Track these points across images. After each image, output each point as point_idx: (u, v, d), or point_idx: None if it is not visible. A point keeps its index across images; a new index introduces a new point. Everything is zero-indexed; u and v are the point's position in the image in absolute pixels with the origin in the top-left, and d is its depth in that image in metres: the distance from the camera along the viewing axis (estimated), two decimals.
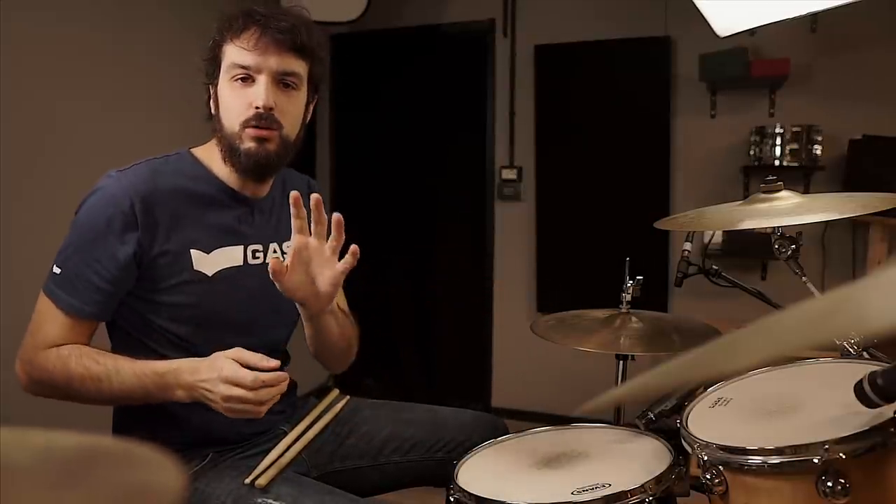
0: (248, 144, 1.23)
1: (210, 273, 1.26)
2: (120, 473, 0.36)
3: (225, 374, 1.10)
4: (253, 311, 1.32)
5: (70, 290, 1.21)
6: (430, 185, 4.08)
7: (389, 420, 1.47)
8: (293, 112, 1.27)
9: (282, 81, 1.24)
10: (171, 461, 0.37)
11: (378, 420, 1.47)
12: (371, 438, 1.44)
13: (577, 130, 3.64)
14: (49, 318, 1.22)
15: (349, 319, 1.44)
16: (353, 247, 1.18)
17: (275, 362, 1.12)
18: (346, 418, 1.47)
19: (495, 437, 1.35)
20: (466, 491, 1.13)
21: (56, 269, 1.22)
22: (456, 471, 1.22)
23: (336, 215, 1.18)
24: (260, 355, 1.13)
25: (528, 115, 3.73)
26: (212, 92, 1.28)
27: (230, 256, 1.29)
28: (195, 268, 1.25)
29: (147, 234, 1.21)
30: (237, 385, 1.09)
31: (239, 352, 1.13)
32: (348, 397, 1.53)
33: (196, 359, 1.16)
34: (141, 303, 1.25)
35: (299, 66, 1.26)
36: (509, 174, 3.81)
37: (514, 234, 3.83)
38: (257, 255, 1.33)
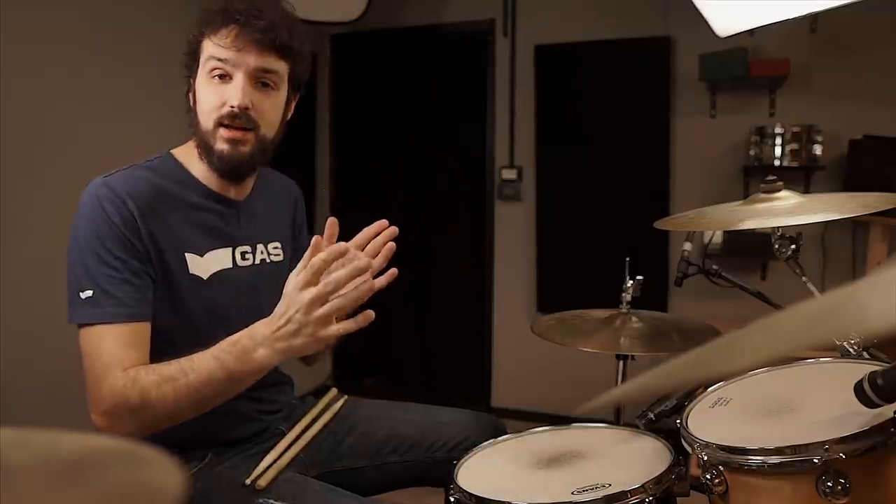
0: (222, 146, 1.21)
1: (205, 276, 1.25)
2: (120, 474, 0.36)
3: (289, 290, 1.07)
4: (242, 312, 1.28)
5: (108, 301, 1.13)
6: (431, 186, 4.08)
7: (388, 420, 1.47)
8: (270, 112, 1.25)
9: (260, 80, 1.21)
10: (171, 461, 0.37)
11: (376, 420, 1.47)
12: (369, 438, 1.44)
13: (577, 130, 3.64)
14: (102, 344, 1.12)
15: None
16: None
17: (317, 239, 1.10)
18: (345, 418, 1.47)
19: (495, 437, 1.35)
20: (466, 491, 1.13)
21: (85, 294, 1.13)
22: (456, 471, 1.22)
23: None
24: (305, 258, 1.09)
25: (528, 115, 3.73)
26: (192, 86, 1.26)
27: (221, 258, 1.28)
28: (190, 271, 1.23)
29: (146, 233, 1.18)
30: (308, 286, 1.06)
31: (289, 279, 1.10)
32: (346, 397, 1.52)
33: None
34: None
35: (279, 66, 1.23)
36: (509, 174, 3.81)
37: (514, 234, 3.83)
38: (246, 256, 1.33)
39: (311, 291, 1.06)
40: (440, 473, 1.31)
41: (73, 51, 2.68)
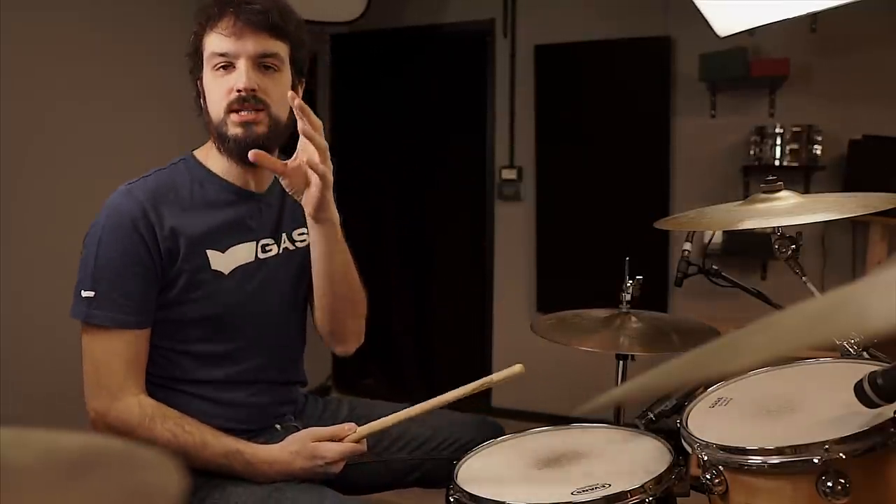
0: (235, 131, 1.23)
1: (226, 272, 1.29)
2: (120, 474, 0.36)
3: (326, 457, 1.23)
4: (265, 304, 1.35)
5: (115, 307, 1.20)
6: (431, 186, 4.08)
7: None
8: (278, 91, 1.25)
9: (262, 64, 1.24)
10: (172, 461, 0.37)
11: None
12: (383, 434, 1.42)
13: (577, 130, 3.64)
14: (105, 347, 1.21)
15: (355, 270, 1.39)
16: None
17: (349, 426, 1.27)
18: (359, 418, 1.46)
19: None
20: (466, 491, 1.13)
21: (87, 293, 1.20)
22: (456, 471, 1.22)
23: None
24: (335, 429, 1.26)
25: (528, 115, 3.73)
26: (199, 87, 1.29)
27: (244, 253, 1.32)
28: (213, 267, 1.28)
29: (165, 240, 1.23)
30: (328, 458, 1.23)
31: (316, 432, 1.25)
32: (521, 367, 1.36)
33: (284, 446, 1.24)
34: (159, 308, 1.26)
35: (278, 47, 1.25)
36: (509, 174, 3.81)
37: (514, 234, 3.83)
38: (267, 248, 1.36)
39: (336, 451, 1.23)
40: (442, 474, 1.31)
41: (73, 51, 2.68)
